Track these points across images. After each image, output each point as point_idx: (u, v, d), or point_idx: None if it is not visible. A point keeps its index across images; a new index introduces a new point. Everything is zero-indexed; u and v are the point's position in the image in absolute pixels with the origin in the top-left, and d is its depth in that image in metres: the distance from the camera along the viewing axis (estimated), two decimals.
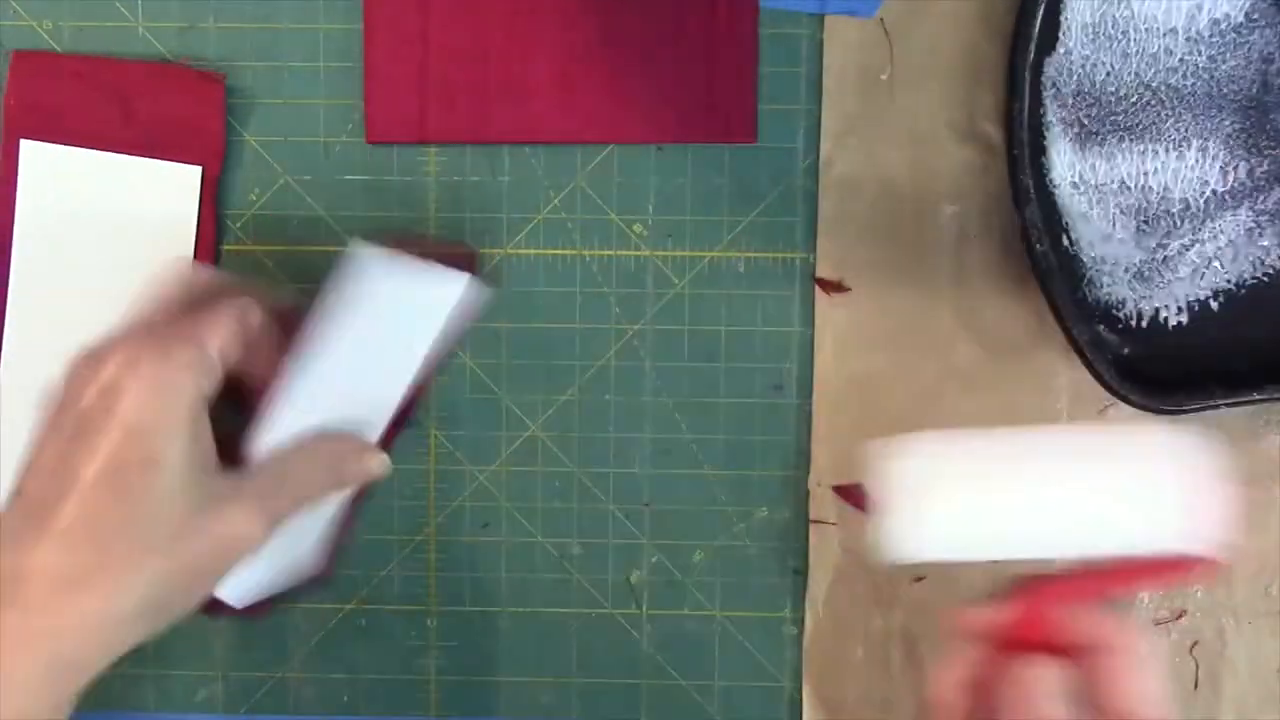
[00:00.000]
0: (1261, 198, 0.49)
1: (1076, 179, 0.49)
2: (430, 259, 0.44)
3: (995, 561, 0.38)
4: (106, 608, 0.38)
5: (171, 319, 0.42)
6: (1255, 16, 0.49)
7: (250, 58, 0.50)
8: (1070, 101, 0.49)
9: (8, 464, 0.50)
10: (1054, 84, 0.49)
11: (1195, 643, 0.51)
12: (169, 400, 0.38)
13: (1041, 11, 0.48)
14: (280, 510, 0.41)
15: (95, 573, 0.37)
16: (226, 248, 0.51)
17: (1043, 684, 0.37)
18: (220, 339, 0.40)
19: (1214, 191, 0.49)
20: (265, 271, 0.51)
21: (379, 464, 0.44)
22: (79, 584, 0.37)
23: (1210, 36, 0.49)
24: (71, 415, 0.39)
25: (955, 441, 0.38)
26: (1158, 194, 0.49)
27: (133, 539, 0.38)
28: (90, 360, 0.40)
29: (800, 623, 0.52)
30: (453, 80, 0.50)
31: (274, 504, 0.41)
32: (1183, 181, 0.49)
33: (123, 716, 0.52)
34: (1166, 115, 0.49)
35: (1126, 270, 0.49)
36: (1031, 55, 0.48)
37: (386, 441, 0.45)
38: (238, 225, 0.51)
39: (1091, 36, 0.49)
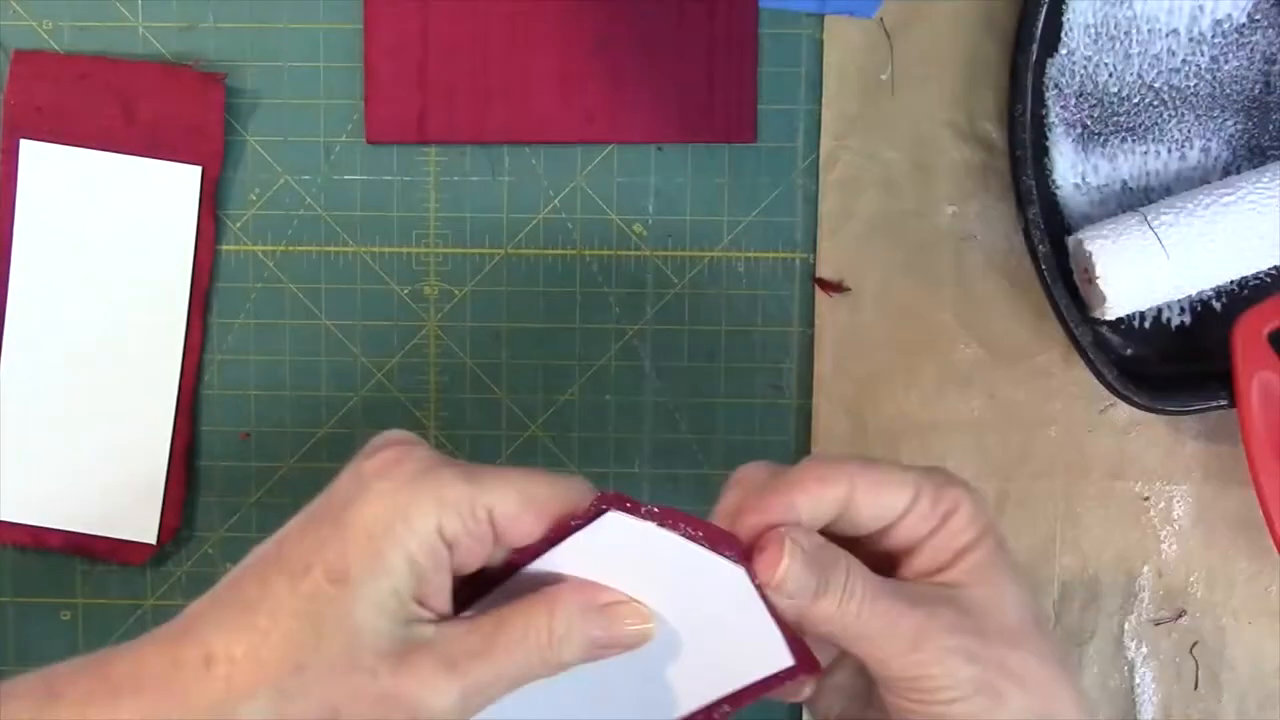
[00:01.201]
0: None
1: (1079, 180, 0.49)
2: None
3: None
4: (234, 706, 0.32)
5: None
6: (1257, 17, 0.49)
7: (250, 58, 0.50)
8: (1073, 102, 0.49)
9: (8, 464, 0.50)
10: (1056, 85, 0.49)
11: (1195, 643, 0.51)
12: (402, 529, 0.33)
13: (1044, 12, 0.47)
14: (483, 677, 0.33)
15: (244, 667, 0.32)
16: (226, 248, 0.51)
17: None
18: (514, 499, 0.34)
19: None
20: (265, 271, 0.51)
21: (631, 625, 0.35)
22: (223, 665, 0.32)
23: (1213, 37, 0.49)
24: (327, 491, 0.34)
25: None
26: (1160, 195, 0.49)
27: (293, 651, 0.32)
28: (377, 441, 0.35)
29: None
30: (453, 80, 0.50)
31: (474, 668, 0.33)
32: (1185, 182, 0.49)
33: None
34: (1169, 116, 0.49)
35: None
36: (1034, 56, 0.48)
37: None
38: (238, 225, 0.51)
39: (1094, 37, 0.49)
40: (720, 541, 0.34)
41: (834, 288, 0.51)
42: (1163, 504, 0.51)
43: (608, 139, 0.50)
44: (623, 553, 0.35)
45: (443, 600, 0.34)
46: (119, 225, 0.50)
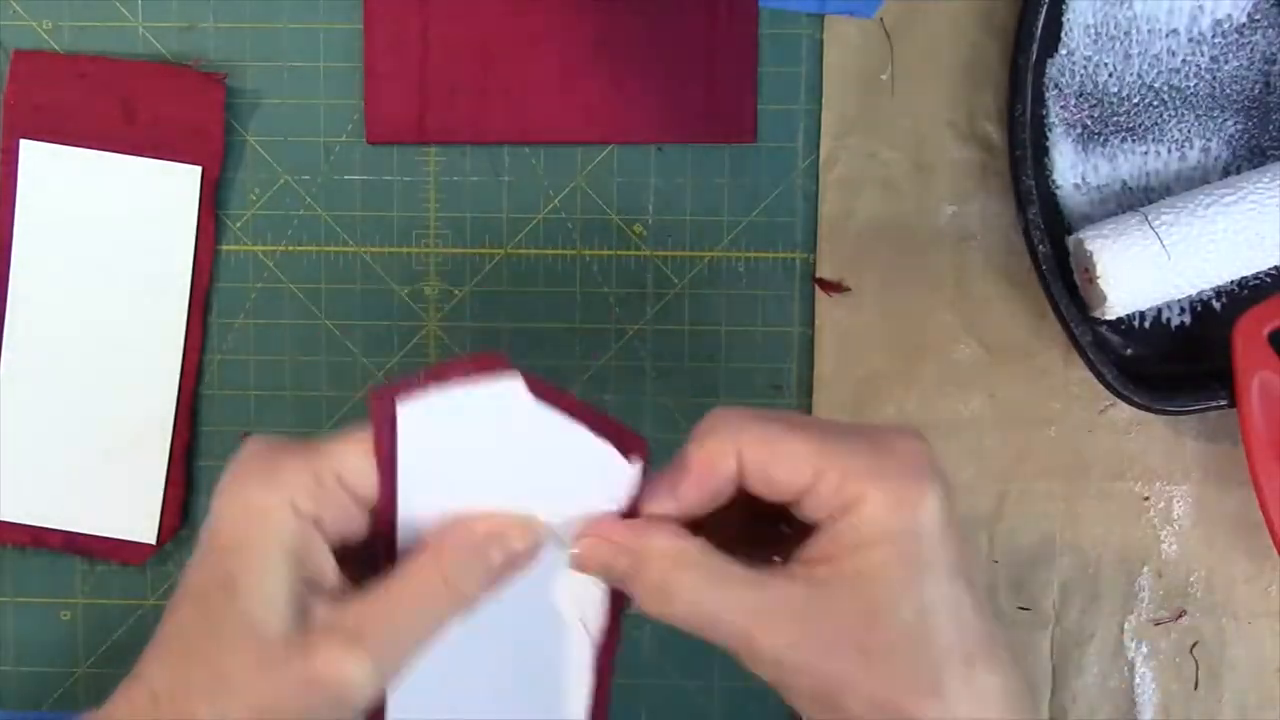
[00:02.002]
0: None
1: (1079, 180, 0.49)
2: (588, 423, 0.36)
3: None
4: None
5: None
6: (1257, 17, 0.49)
7: (250, 58, 0.50)
8: (1073, 102, 0.49)
9: (8, 463, 0.50)
10: (1056, 85, 0.49)
11: (1195, 643, 0.51)
12: (259, 523, 0.34)
13: (1044, 12, 0.47)
14: (391, 639, 0.34)
15: (179, 695, 0.34)
16: (226, 248, 0.51)
17: None
18: (349, 462, 0.35)
19: None
20: (265, 271, 0.51)
21: (523, 544, 0.35)
22: (163, 703, 0.34)
23: (1212, 37, 0.49)
24: (200, 535, 0.36)
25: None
26: (1160, 195, 0.49)
27: (208, 668, 0.33)
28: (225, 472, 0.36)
29: None
30: (453, 80, 0.50)
31: (378, 633, 0.34)
32: (1185, 182, 0.49)
33: None
34: (1169, 116, 0.49)
35: None
36: (1034, 56, 0.48)
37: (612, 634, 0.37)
38: (238, 225, 0.51)
39: (1094, 37, 0.49)
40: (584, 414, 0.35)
41: (834, 288, 0.51)
42: (1163, 504, 0.51)
43: (608, 139, 0.50)
44: (461, 438, 0.35)
45: (332, 576, 0.35)
46: (119, 225, 0.50)
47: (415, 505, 0.36)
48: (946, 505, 0.34)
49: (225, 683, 0.33)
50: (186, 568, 0.35)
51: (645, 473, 0.35)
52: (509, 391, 0.35)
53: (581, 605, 0.37)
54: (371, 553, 0.36)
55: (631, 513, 0.35)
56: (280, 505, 0.34)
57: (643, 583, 0.35)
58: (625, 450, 0.35)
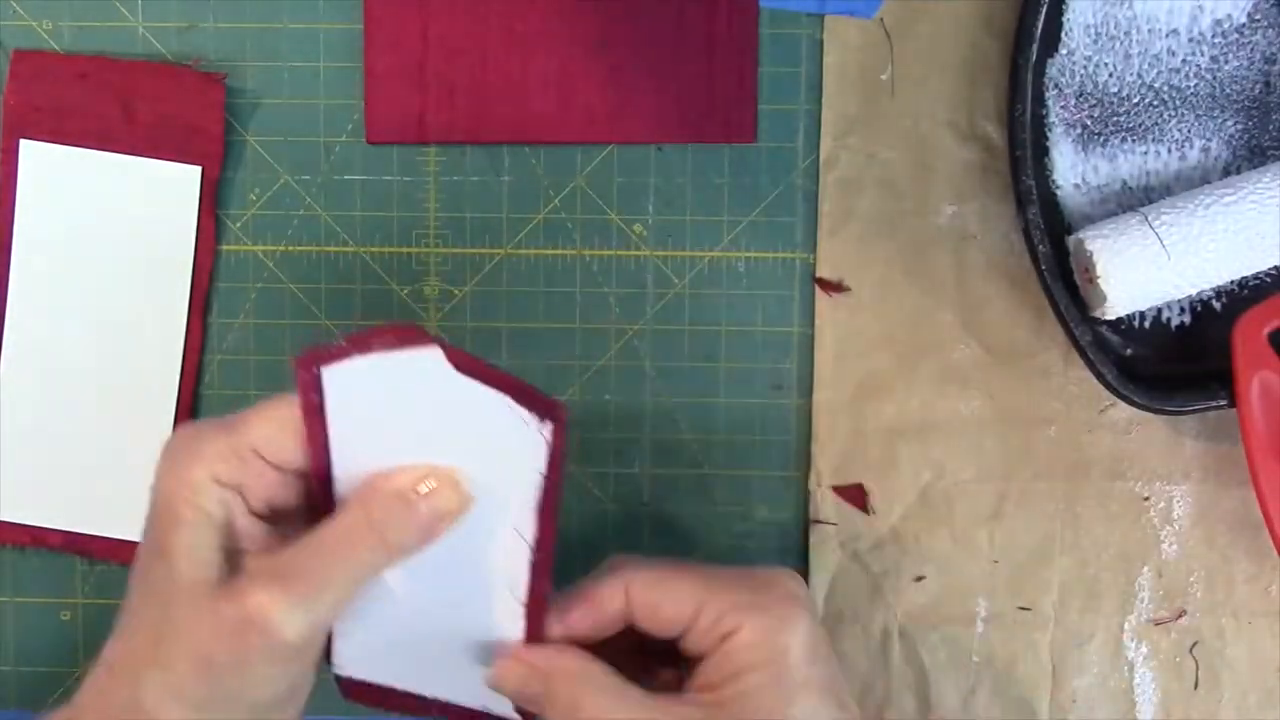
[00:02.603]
0: None
1: (1079, 180, 0.49)
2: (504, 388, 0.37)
3: None
4: (136, 696, 0.36)
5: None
6: (1257, 17, 0.49)
7: (250, 58, 0.50)
8: (1073, 102, 0.49)
9: (8, 463, 0.50)
10: (1056, 85, 0.49)
11: (1195, 643, 0.51)
12: (185, 494, 0.37)
13: (1044, 12, 0.47)
14: (320, 584, 0.36)
15: (128, 662, 0.37)
16: (226, 248, 0.51)
17: None
18: (266, 435, 0.37)
19: None
20: (265, 271, 0.51)
21: (450, 498, 0.37)
22: (117, 671, 0.37)
23: (1212, 37, 0.49)
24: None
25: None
26: (1160, 195, 0.49)
27: (150, 630, 0.37)
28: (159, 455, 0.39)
29: None
30: (453, 80, 0.50)
31: (306, 578, 0.36)
32: (1185, 182, 0.49)
33: None
34: (1169, 116, 0.49)
35: None
36: (1034, 56, 0.48)
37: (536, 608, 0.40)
38: (238, 225, 0.51)
39: (1094, 37, 0.49)
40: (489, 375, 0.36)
41: (834, 288, 0.51)
42: (1163, 504, 0.51)
43: (608, 139, 0.50)
44: (384, 404, 0.37)
45: (260, 537, 0.38)
46: (119, 225, 0.50)
47: (346, 466, 0.38)
48: (814, 631, 0.39)
49: (165, 641, 0.36)
50: (139, 544, 0.38)
51: (560, 434, 0.37)
52: (429, 360, 0.36)
53: (509, 569, 0.39)
54: (314, 515, 0.38)
55: (550, 478, 0.37)
56: (203, 477, 0.37)
57: (553, 700, 0.38)
58: (541, 414, 0.36)
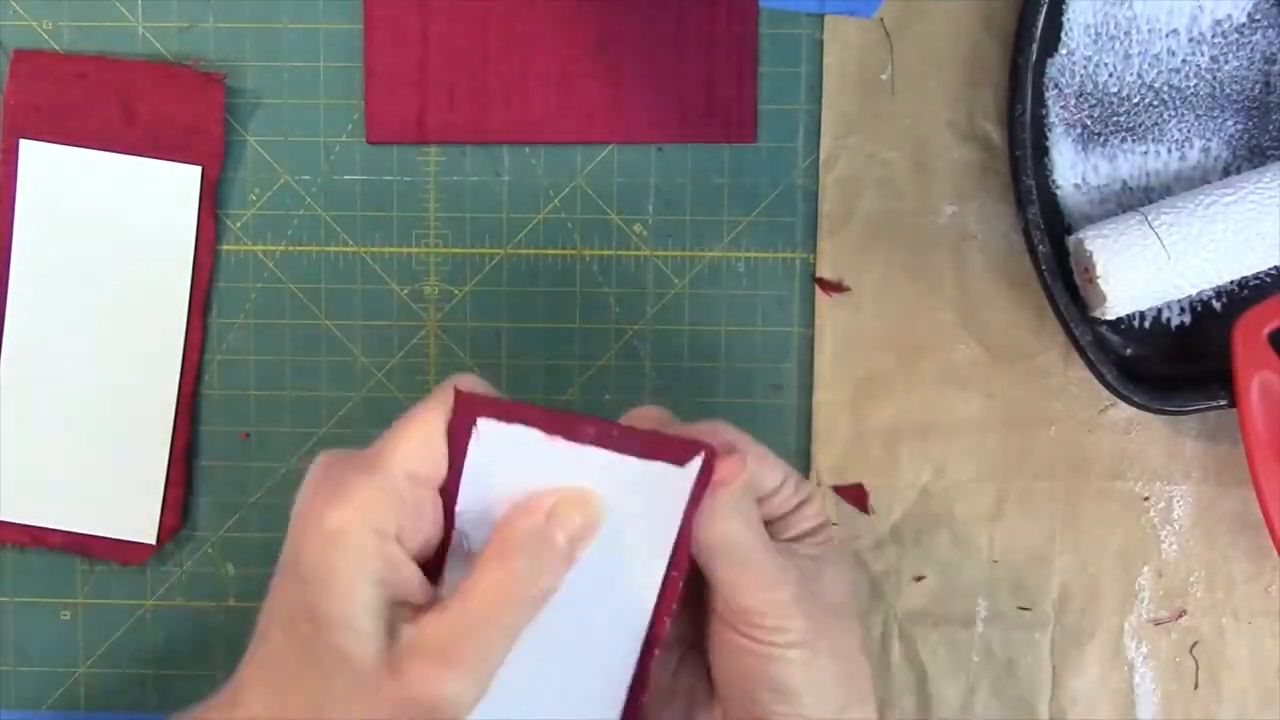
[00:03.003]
0: None
1: (1079, 180, 0.49)
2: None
3: None
4: None
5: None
6: (1257, 17, 0.49)
7: (250, 58, 0.50)
8: (1073, 102, 0.49)
9: (8, 464, 0.50)
10: (1056, 85, 0.49)
11: (1195, 643, 0.51)
12: (338, 548, 0.34)
13: (1044, 12, 0.47)
14: (480, 649, 0.35)
15: None
16: (226, 248, 0.51)
17: None
18: (412, 454, 0.35)
19: None
20: (265, 271, 0.51)
21: (580, 516, 0.36)
22: None
23: (1212, 37, 0.49)
24: (288, 536, 0.36)
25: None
26: (1160, 195, 0.49)
27: (309, 695, 0.34)
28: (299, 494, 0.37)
29: None
30: (453, 80, 0.50)
31: (466, 647, 0.34)
32: (1185, 182, 0.49)
33: (123, 716, 0.52)
34: (1169, 116, 0.49)
35: None
36: (1034, 56, 0.48)
37: (644, 670, 0.38)
38: (238, 225, 0.51)
39: (1094, 37, 0.49)
40: (635, 443, 0.36)
41: (834, 288, 0.51)
42: (1163, 504, 0.51)
43: (608, 139, 0.50)
44: (527, 465, 0.36)
45: (417, 589, 0.36)
46: (119, 225, 0.50)
47: (471, 508, 0.37)
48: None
49: (323, 710, 0.34)
50: (272, 590, 0.36)
51: (703, 479, 0.36)
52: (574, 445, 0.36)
53: (635, 605, 0.38)
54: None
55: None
56: (358, 527, 0.34)
57: (729, 483, 0.37)
58: (680, 460, 0.36)
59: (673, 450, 0.36)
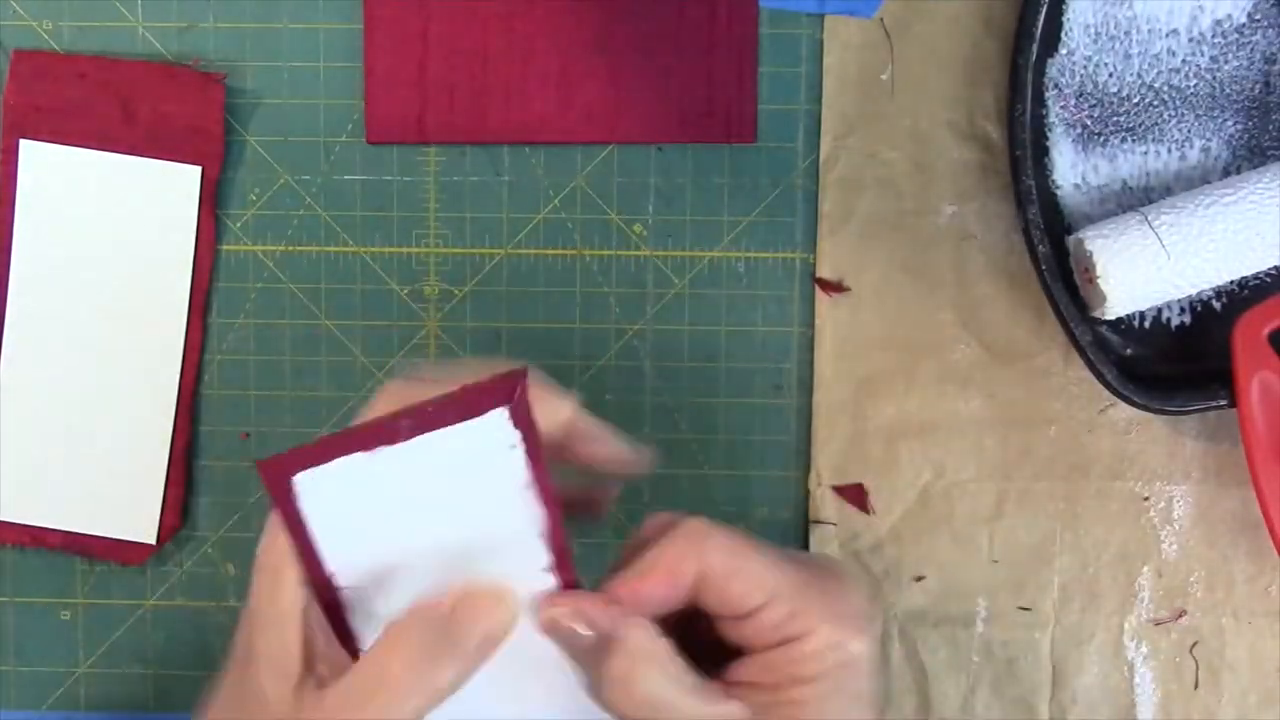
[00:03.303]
0: None
1: (1079, 180, 0.49)
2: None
3: None
4: None
5: None
6: (1258, 17, 0.49)
7: (250, 58, 0.50)
8: (1073, 102, 0.49)
9: (8, 464, 0.50)
10: (1056, 85, 0.49)
11: (1195, 643, 0.51)
12: (270, 588, 0.34)
13: (1043, 12, 0.47)
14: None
15: None
16: (226, 248, 0.51)
17: None
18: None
19: None
20: (265, 271, 0.51)
21: (500, 615, 0.34)
22: None
23: (1212, 37, 0.49)
24: None
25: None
26: (1160, 194, 0.49)
27: None
28: None
29: None
30: (453, 80, 0.50)
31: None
32: (1185, 182, 0.49)
33: (123, 716, 0.52)
34: (1169, 116, 0.49)
35: None
36: (1034, 56, 0.48)
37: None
38: (238, 225, 0.51)
39: (1094, 37, 0.49)
40: (455, 405, 0.33)
41: (834, 288, 0.51)
42: (1163, 504, 0.51)
43: (608, 139, 0.50)
44: (371, 491, 0.34)
45: (323, 651, 0.35)
46: (119, 225, 0.50)
47: (347, 564, 0.35)
48: (878, 640, 0.36)
49: None
50: (239, 624, 0.36)
51: (520, 409, 0.34)
52: (383, 454, 0.34)
53: (526, 551, 0.35)
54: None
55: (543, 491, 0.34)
56: (286, 567, 0.34)
57: (608, 668, 0.34)
58: (495, 403, 0.33)
59: (483, 400, 0.33)
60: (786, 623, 0.35)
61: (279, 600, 0.34)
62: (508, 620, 0.34)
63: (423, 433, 0.33)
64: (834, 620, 0.35)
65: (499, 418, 0.33)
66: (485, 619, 0.34)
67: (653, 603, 0.35)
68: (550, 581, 0.35)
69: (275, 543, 0.34)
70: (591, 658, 0.35)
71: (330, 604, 0.35)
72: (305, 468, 0.33)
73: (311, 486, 0.34)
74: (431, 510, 0.35)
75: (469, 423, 0.33)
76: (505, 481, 0.34)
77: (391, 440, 0.33)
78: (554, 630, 0.35)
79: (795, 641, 0.35)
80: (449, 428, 0.33)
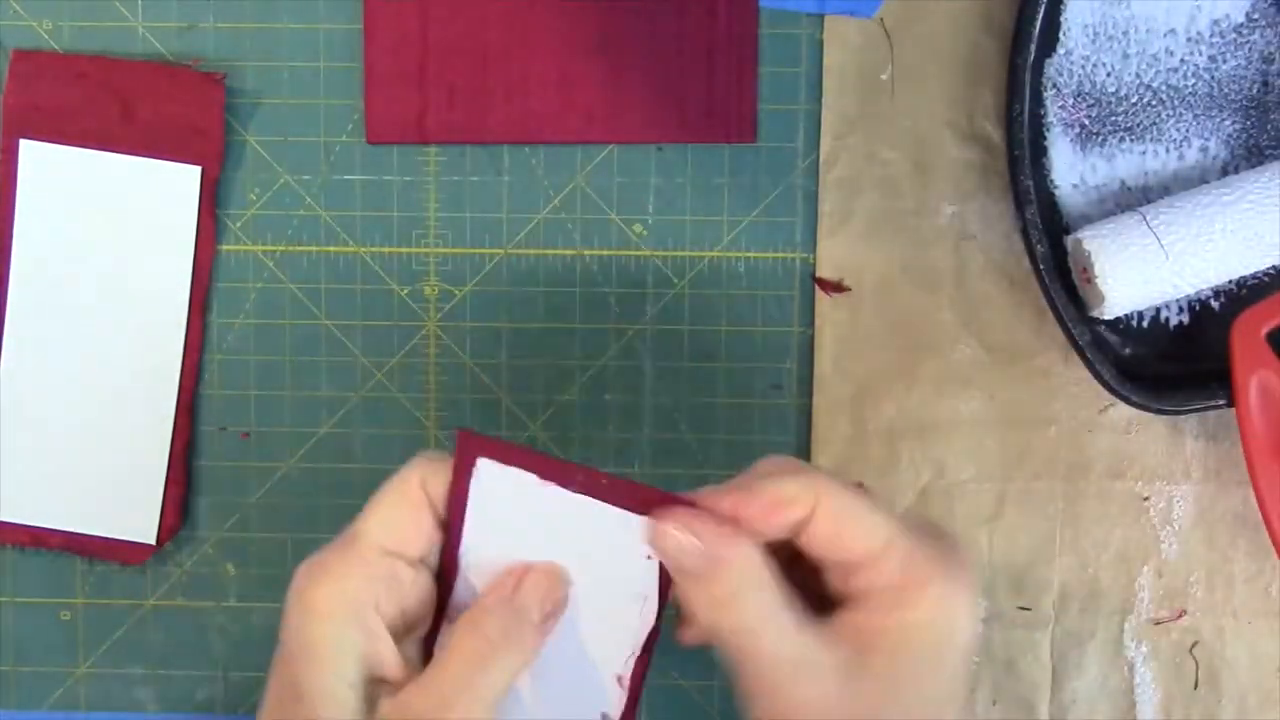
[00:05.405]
0: None
1: (1077, 180, 0.49)
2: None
3: None
4: None
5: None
6: (1255, 16, 0.49)
7: (250, 58, 0.50)
8: (1071, 102, 0.49)
9: (8, 464, 0.50)
10: (1054, 84, 0.49)
11: (1195, 643, 0.51)
12: (316, 625, 0.35)
13: (1042, 12, 0.48)
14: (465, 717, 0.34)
15: None
16: (226, 248, 0.51)
17: None
18: (385, 524, 0.35)
19: None
20: (265, 271, 0.51)
21: (552, 590, 0.36)
22: None
23: (1210, 37, 0.49)
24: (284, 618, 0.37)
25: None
26: (1158, 194, 0.49)
27: None
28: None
29: None
30: (453, 80, 0.50)
31: (451, 715, 0.34)
32: (1183, 182, 0.49)
33: (123, 716, 0.52)
34: (1167, 115, 0.49)
35: None
36: (1032, 56, 0.48)
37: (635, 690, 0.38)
38: (238, 225, 0.51)
39: (1092, 37, 0.49)
40: (620, 494, 0.36)
41: (834, 288, 0.51)
42: (1163, 504, 0.51)
43: (608, 139, 0.50)
44: (521, 507, 0.37)
45: (393, 665, 0.35)
46: (119, 225, 0.50)
47: (471, 562, 0.37)
48: (977, 615, 0.37)
49: None
50: (274, 662, 0.36)
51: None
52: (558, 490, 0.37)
53: (618, 647, 0.38)
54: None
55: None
56: (334, 601, 0.35)
57: (709, 587, 0.34)
58: (643, 510, 0.36)
59: (636, 502, 0.36)
60: (903, 573, 0.33)
61: (332, 637, 0.34)
62: (561, 597, 0.36)
63: (589, 496, 0.36)
64: (946, 578, 0.34)
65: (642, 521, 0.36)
66: (542, 593, 0.35)
67: (767, 528, 0.34)
68: (612, 697, 0.37)
69: (320, 582, 0.35)
70: (692, 580, 0.34)
71: (448, 580, 0.37)
72: (492, 457, 0.36)
73: (488, 474, 0.36)
74: (558, 558, 0.37)
75: (631, 513, 0.36)
76: (627, 581, 0.37)
77: (563, 483, 0.36)
78: (663, 543, 0.35)
79: (913, 589, 0.33)
80: (612, 506, 0.36)
